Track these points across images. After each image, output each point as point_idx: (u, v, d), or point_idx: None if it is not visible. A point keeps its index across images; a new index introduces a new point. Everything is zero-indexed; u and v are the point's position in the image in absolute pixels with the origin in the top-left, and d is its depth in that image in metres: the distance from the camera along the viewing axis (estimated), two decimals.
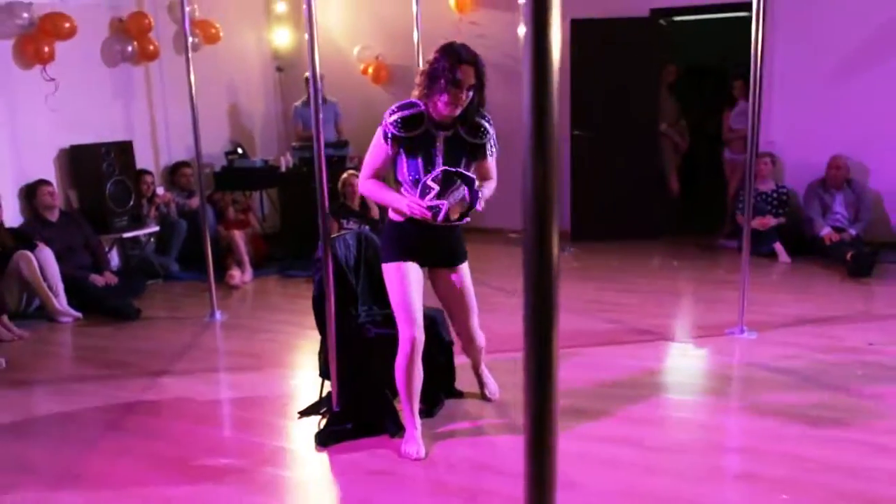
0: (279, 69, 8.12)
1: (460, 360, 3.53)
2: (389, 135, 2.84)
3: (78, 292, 5.23)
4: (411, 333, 2.92)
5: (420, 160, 2.81)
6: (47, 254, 5.09)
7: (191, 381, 3.94)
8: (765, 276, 5.68)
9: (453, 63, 2.72)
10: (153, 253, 6.25)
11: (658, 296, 5.24)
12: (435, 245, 3.00)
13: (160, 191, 6.10)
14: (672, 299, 5.20)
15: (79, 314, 5.09)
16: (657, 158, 7.19)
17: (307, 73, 7.28)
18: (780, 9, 6.39)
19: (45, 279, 5.03)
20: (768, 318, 4.55)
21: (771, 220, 6.27)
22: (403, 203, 2.83)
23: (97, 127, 5.99)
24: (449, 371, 3.52)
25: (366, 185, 2.97)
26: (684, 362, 4.02)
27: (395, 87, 7.61)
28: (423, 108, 2.82)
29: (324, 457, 3.06)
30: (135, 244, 6.20)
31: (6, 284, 4.91)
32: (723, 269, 5.83)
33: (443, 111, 2.79)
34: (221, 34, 6.96)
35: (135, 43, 6.21)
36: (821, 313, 4.71)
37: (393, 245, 2.96)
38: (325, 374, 3.37)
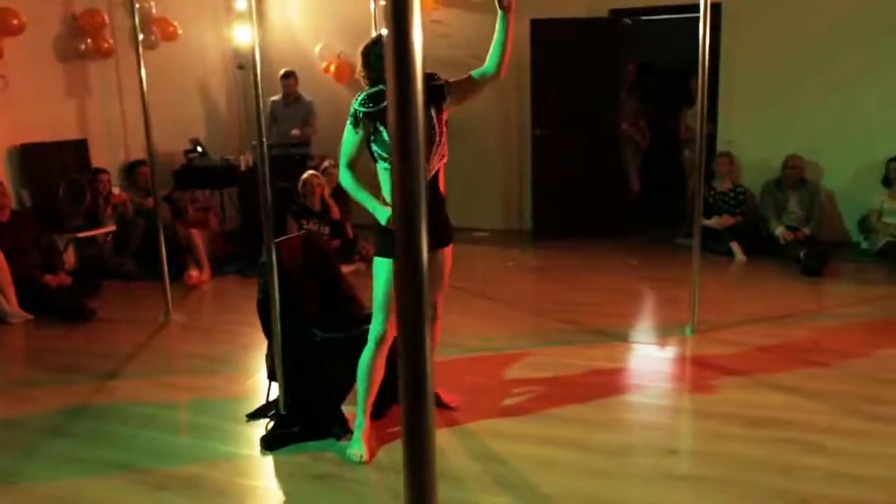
0: (241, 67, 8.04)
1: None
2: (360, 114, 2.89)
3: (30, 293, 5.14)
4: (385, 329, 2.94)
5: None
6: None
7: (142, 383, 3.90)
8: (720, 275, 5.77)
9: None
10: (110, 252, 6.16)
11: (615, 295, 5.30)
12: (434, 227, 3.00)
13: (116, 190, 6.01)
14: (628, 299, 5.26)
15: (30, 315, 5.01)
16: (618, 157, 7.25)
17: (283, 70, 7.30)
18: (740, 8, 6.49)
19: None
20: (720, 317, 4.62)
21: (728, 220, 6.36)
22: (381, 214, 2.86)
23: (51, 125, 5.89)
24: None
25: (345, 176, 2.95)
26: (633, 363, 4.07)
27: (359, 84, 7.58)
28: (381, 86, 2.93)
29: (269, 460, 3.05)
30: (91, 244, 6.11)
31: None
32: (678, 269, 5.89)
33: None
34: (180, 31, 6.88)
35: (88, 40, 6.11)
36: (771, 312, 4.80)
37: (391, 238, 2.94)
38: (272, 376, 3.35)
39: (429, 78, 3.01)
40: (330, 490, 2.82)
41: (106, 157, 6.37)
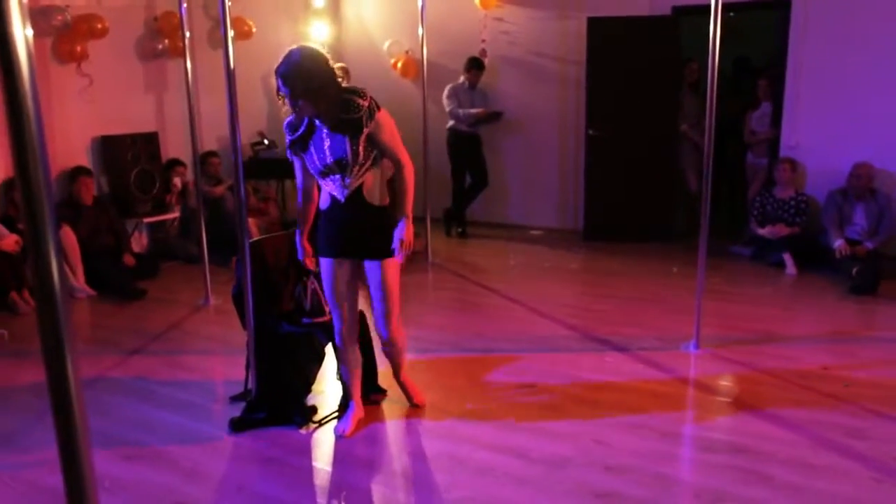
0: None
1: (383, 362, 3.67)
2: (287, 143, 3.07)
3: (96, 272, 5.71)
4: (336, 324, 3.21)
5: (313, 151, 2.99)
6: (69, 234, 5.60)
7: (157, 361, 4.29)
8: (760, 288, 5.50)
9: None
10: (177, 237, 6.71)
11: (636, 303, 5.18)
12: (351, 236, 3.07)
13: (177, 180, 6.51)
14: (647, 307, 5.11)
15: (93, 292, 5.57)
16: (676, 159, 7.00)
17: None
18: (812, 7, 6.08)
19: (66, 257, 5.54)
20: (734, 334, 4.45)
21: (782, 229, 6.01)
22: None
23: (128, 119, 6.46)
24: (371, 367, 3.66)
25: (298, 196, 3.24)
26: (616, 376, 3.93)
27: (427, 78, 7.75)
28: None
29: (230, 442, 3.29)
30: (159, 228, 6.67)
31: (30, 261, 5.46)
32: (721, 279, 5.66)
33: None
34: (254, 30, 7.30)
35: (166, 41, 6.64)
36: (798, 331, 4.57)
37: (319, 239, 3.17)
38: (248, 364, 3.60)
39: (346, 104, 2.89)
40: (271, 474, 3.02)
41: (180, 148, 6.90)
